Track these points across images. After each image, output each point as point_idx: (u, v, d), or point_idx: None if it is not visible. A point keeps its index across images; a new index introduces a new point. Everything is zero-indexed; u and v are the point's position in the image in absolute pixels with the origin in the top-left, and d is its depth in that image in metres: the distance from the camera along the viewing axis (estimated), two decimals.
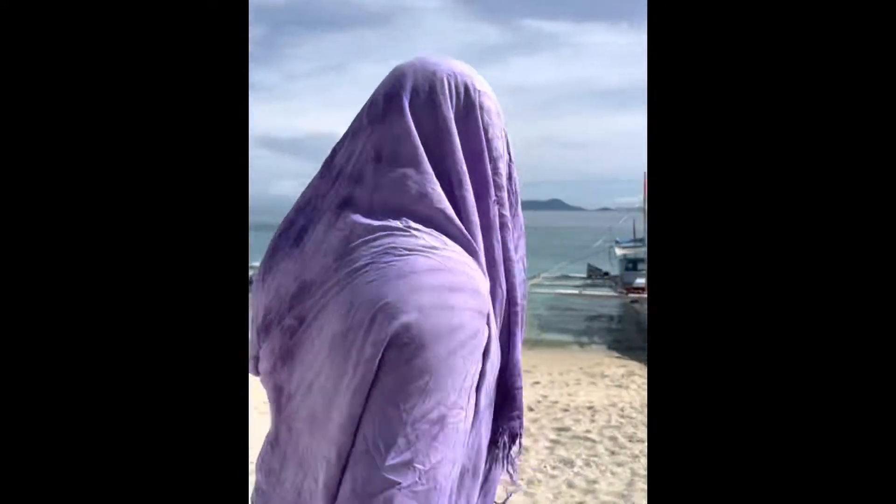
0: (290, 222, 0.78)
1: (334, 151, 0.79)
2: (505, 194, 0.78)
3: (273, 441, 0.76)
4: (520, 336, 0.78)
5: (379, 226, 0.70)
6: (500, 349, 0.75)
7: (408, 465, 0.63)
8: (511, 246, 0.78)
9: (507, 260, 0.77)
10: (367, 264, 0.67)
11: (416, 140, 0.74)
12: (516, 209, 0.81)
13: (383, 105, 0.76)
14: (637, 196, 13.83)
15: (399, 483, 0.62)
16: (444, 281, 0.67)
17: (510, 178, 0.80)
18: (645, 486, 3.63)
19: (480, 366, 0.69)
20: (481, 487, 0.75)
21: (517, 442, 0.79)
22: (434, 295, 0.66)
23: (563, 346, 10.43)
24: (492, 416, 0.75)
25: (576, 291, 13.76)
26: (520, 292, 0.78)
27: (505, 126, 0.82)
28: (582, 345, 10.73)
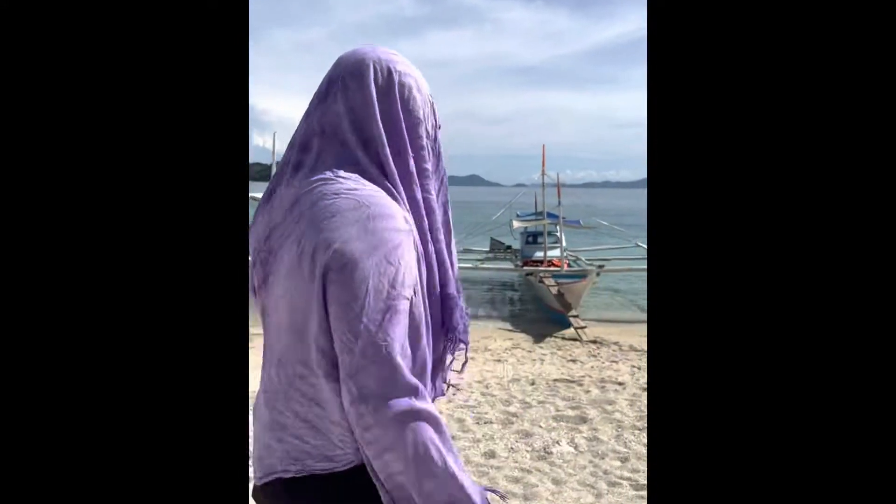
0: (266, 189, 1.00)
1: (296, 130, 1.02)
2: (426, 152, 1.00)
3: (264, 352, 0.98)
4: (447, 253, 1.00)
5: (316, 179, 0.91)
6: (437, 265, 0.97)
7: (373, 342, 0.83)
8: (431, 188, 0.99)
9: (426, 200, 0.98)
10: (307, 209, 0.89)
11: (349, 115, 0.95)
12: (439, 162, 1.03)
13: (325, 88, 0.98)
14: (551, 171, 13.80)
15: (371, 354, 0.83)
16: (362, 213, 0.87)
17: (432, 137, 1.02)
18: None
19: (415, 266, 0.90)
20: (437, 369, 0.98)
21: (460, 337, 1.00)
22: (357, 225, 0.86)
23: None
24: (435, 315, 0.97)
25: (471, 265, 13.64)
26: (440, 219, 1.00)
27: (431, 97, 1.03)
28: (477, 318, 10.60)
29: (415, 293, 0.90)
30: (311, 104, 1.00)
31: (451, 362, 1.02)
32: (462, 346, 1.01)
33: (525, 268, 12.58)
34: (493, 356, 6.83)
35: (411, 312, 0.88)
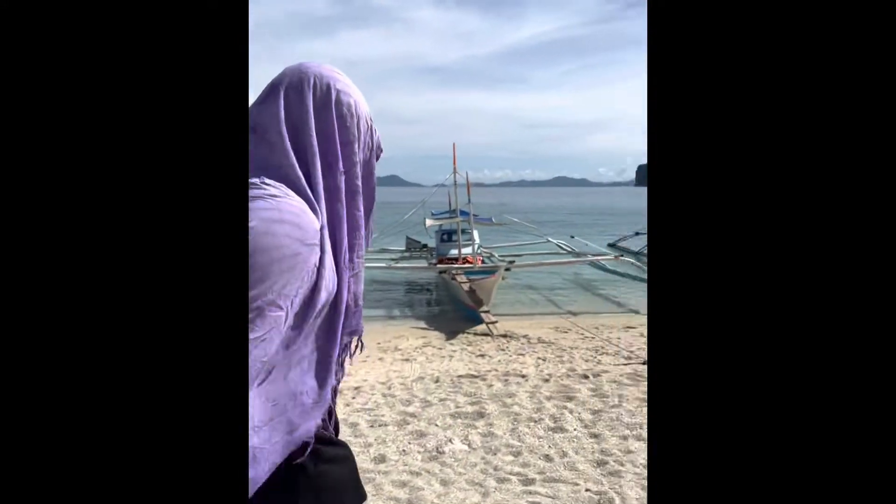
0: None
1: None
2: (358, 168, 1.03)
3: None
4: (361, 272, 1.04)
5: None
6: (348, 281, 1.01)
7: None
8: (360, 206, 1.03)
9: (351, 217, 1.01)
10: None
11: (283, 121, 0.98)
12: (370, 181, 1.06)
13: (266, 93, 1.02)
14: (467, 171, 13.91)
15: None
16: (271, 215, 0.88)
17: (365, 158, 1.05)
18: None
19: (310, 283, 0.92)
20: (331, 368, 1.02)
21: (356, 340, 1.08)
22: (262, 223, 0.87)
23: (372, 321, 10.12)
24: (336, 323, 1.01)
25: (385, 265, 13.56)
26: (364, 240, 1.05)
27: (370, 118, 1.07)
28: (392, 318, 10.52)
29: (291, 304, 0.92)
30: (250, 107, 1.02)
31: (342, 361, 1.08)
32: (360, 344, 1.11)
33: (438, 266, 12.60)
34: (402, 355, 6.77)
35: (300, 322, 0.92)
